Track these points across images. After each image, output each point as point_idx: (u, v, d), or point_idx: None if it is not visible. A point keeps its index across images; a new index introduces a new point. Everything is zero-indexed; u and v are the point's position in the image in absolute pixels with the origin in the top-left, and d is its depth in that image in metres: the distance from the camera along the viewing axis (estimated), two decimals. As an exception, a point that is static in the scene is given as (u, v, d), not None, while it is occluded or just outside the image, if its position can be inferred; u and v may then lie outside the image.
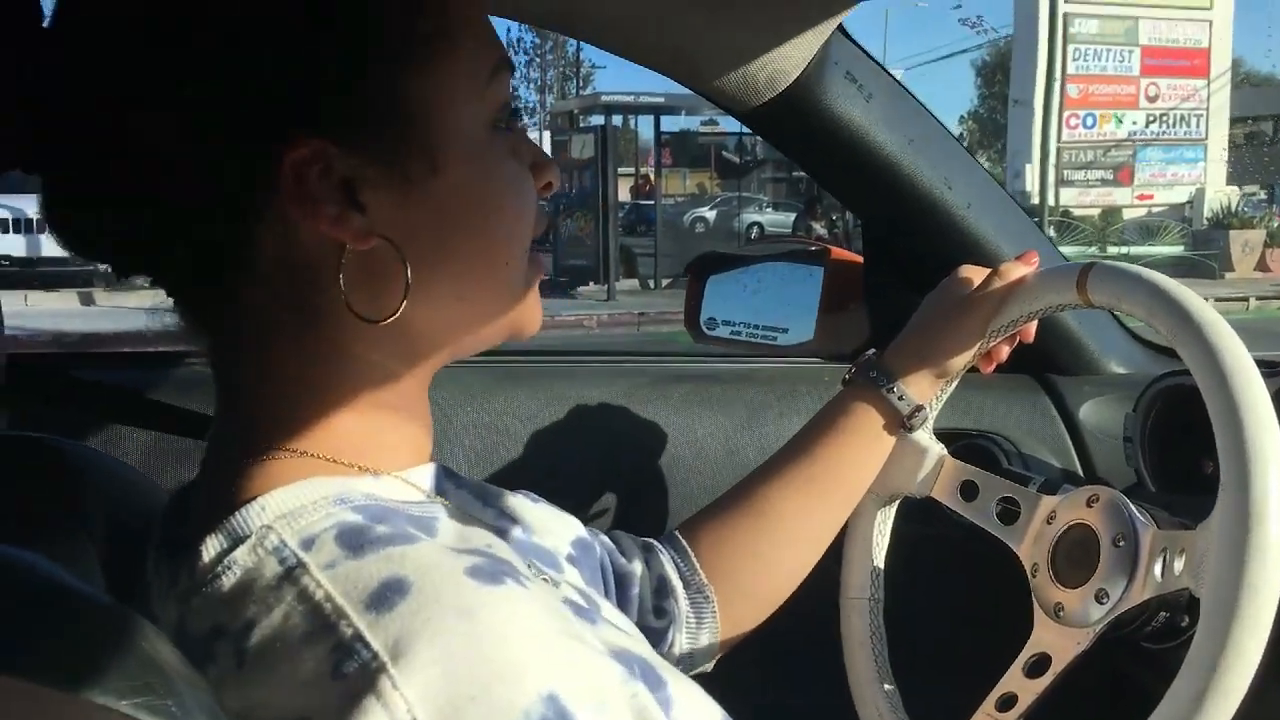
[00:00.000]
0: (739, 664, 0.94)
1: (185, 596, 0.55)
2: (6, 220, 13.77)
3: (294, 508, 0.55)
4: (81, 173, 0.57)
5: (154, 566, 0.60)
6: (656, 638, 0.88)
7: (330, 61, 0.55)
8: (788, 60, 0.97)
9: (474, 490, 0.75)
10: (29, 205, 13.69)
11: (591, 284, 14.11)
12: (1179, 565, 0.77)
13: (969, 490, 0.95)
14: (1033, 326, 0.93)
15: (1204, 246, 17.60)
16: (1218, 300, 13.65)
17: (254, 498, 0.56)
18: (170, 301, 0.62)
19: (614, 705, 0.54)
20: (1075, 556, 0.86)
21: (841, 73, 1.01)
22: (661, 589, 0.90)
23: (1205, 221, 19.05)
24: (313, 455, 0.59)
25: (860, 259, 1.27)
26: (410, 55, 0.57)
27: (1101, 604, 0.82)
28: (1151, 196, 21.63)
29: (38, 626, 0.45)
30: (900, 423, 0.92)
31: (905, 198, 1.10)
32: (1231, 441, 0.70)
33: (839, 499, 0.94)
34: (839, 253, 1.29)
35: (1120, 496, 0.85)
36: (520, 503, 0.78)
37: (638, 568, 0.89)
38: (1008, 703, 0.84)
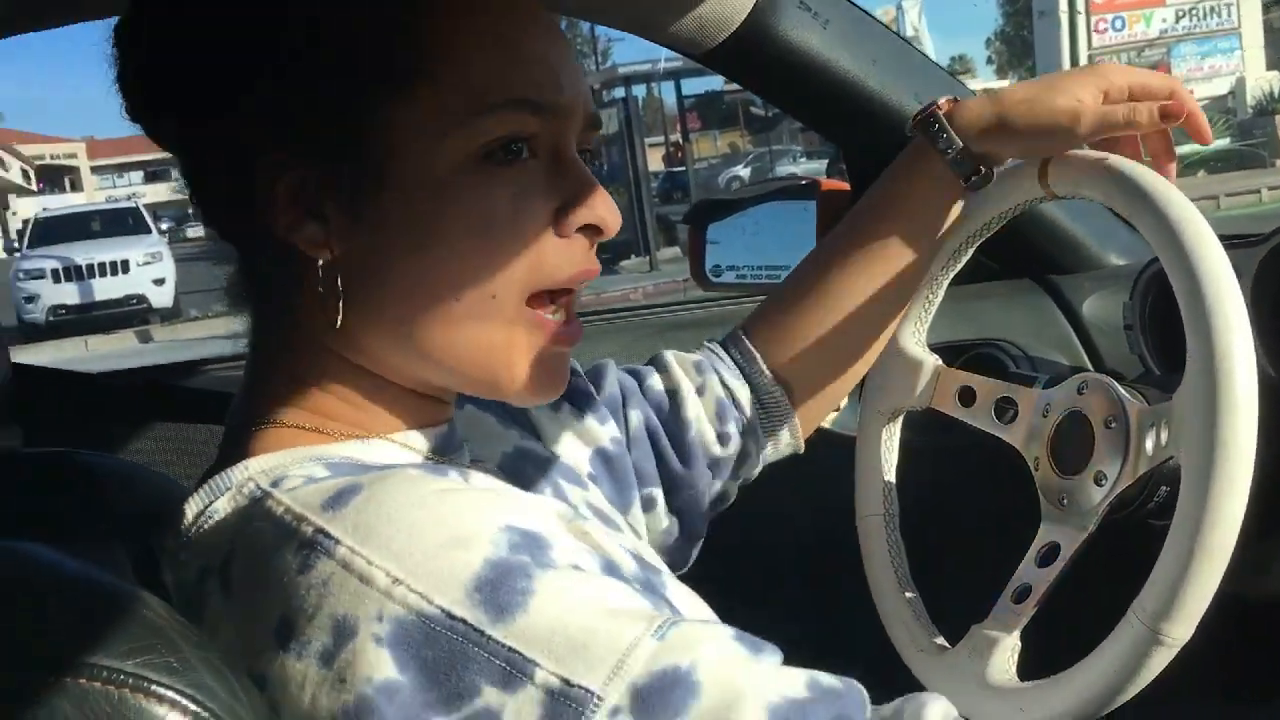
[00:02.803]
0: (767, 594, 0.97)
1: (174, 554, 0.60)
2: (58, 270, 14.07)
3: (274, 464, 0.60)
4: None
5: (155, 544, 0.65)
6: (726, 465, 0.90)
7: (294, 85, 0.59)
8: (735, -3, 0.98)
9: (498, 410, 0.80)
10: (76, 253, 14.01)
11: (633, 257, 14.12)
12: (1165, 436, 0.78)
13: (966, 396, 0.97)
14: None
15: (1250, 136, 17.19)
16: (1271, 188, 13.32)
17: (243, 459, 0.61)
18: (222, 330, 0.69)
19: (563, 527, 0.58)
20: (1072, 444, 0.87)
21: (794, 2, 1.02)
22: (722, 413, 0.89)
23: (1249, 110, 18.60)
24: (299, 427, 0.63)
25: (848, 187, 1.28)
26: (376, 83, 0.60)
27: (1101, 486, 0.84)
28: (1192, 92, 21.05)
29: (52, 608, 0.49)
30: (961, 182, 0.85)
31: (877, 118, 1.11)
32: (1193, 307, 0.71)
33: (901, 269, 0.89)
34: (828, 183, 1.30)
35: (1108, 380, 0.86)
36: (544, 417, 0.82)
37: (691, 410, 0.88)
38: (1023, 594, 0.86)
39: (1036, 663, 0.82)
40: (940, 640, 0.92)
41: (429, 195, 0.60)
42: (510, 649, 0.50)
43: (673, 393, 0.89)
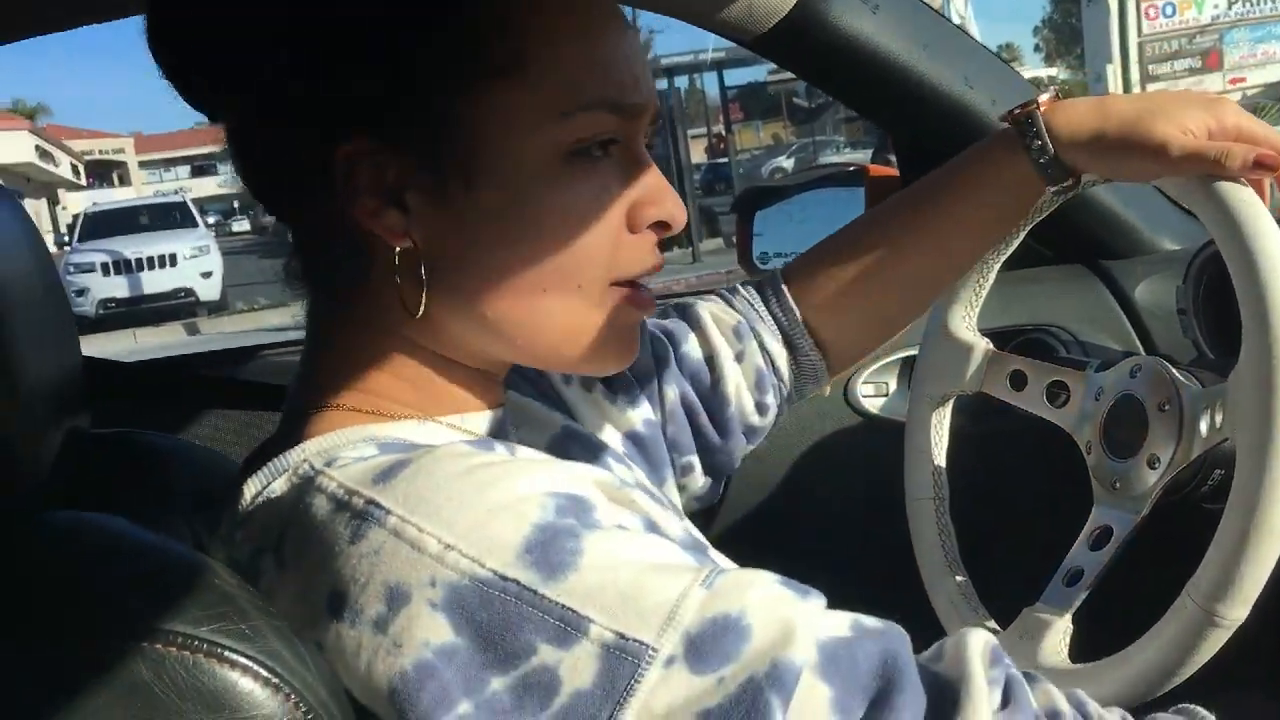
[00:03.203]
0: (814, 578, 0.97)
1: (229, 534, 0.61)
2: (107, 264, 14.27)
3: (329, 445, 0.61)
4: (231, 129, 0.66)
5: (202, 521, 0.66)
6: (762, 431, 0.90)
7: (389, 76, 0.60)
8: (788, -19, 0.98)
9: (534, 384, 0.81)
10: (125, 247, 14.22)
11: (675, 249, 14.12)
12: (1219, 418, 0.78)
13: (1018, 380, 0.97)
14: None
15: (1306, 123, 16.86)
16: (1326, 177, 13.09)
17: (302, 441, 0.62)
18: (269, 323, 0.69)
19: (609, 496, 0.59)
20: (1125, 428, 0.87)
21: (844, -13, 1.03)
22: (761, 383, 0.88)
23: (1304, 97, 18.25)
24: (357, 410, 0.64)
25: (896, 173, 1.28)
26: (469, 78, 0.61)
27: (1154, 469, 0.84)
28: (1244, 79, 20.75)
29: (129, 576, 0.51)
30: (1041, 183, 0.82)
31: (927, 103, 1.11)
32: (1249, 290, 0.71)
33: (963, 251, 0.88)
34: (876, 169, 1.30)
35: (1161, 362, 0.86)
36: (573, 393, 0.82)
37: (730, 383, 0.87)
38: (1075, 577, 0.86)
39: (1089, 646, 0.82)
40: (991, 623, 0.93)
41: (517, 188, 0.61)
42: (564, 606, 0.52)
43: (710, 359, 0.87)
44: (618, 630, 0.52)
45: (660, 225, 0.66)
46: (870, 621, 0.58)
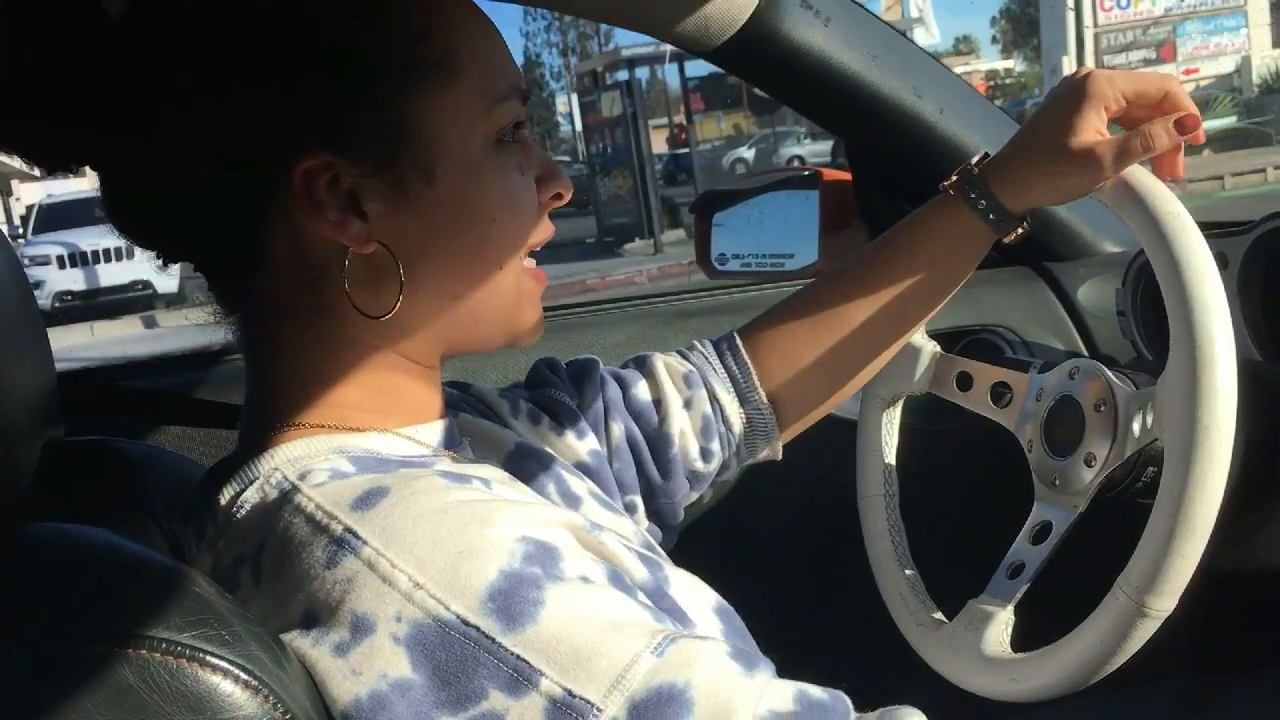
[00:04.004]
0: (770, 574, 1.00)
1: (213, 542, 0.63)
2: (63, 257, 14.05)
3: (299, 454, 0.63)
4: (128, 168, 0.66)
5: (181, 528, 0.68)
6: (706, 478, 0.92)
7: (339, 87, 0.63)
8: (739, -3, 1.01)
9: (475, 407, 0.84)
10: (81, 239, 14.00)
11: (637, 240, 14.13)
12: (1150, 419, 0.82)
13: (964, 381, 1.01)
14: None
15: (1257, 114, 17.11)
16: (1277, 167, 13.28)
17: (265, 451, 0.64)
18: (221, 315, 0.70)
19: (576, 540, 0.61)
20: (1064, 427, 0.91)
21: (797, 1, 1.05)
22: (707, 429, 0.90)
23: (1255, 89, 18.53)
24: (320, 426, 0.66)
25: (850, 177, 1.31)
26: (412, 81, 0.64)
27: (1091, 467, 0.88)
28: (1197, 70, 21.04)
29: (112, 585, 0.53)
30: (994, 236, 0.86)
31: (878, 112, 1.14)
32: (1175, 295, 0.74)
33: (919, 308, 0.90)
34: (830, 173, 1.33)
35: (1098, 365, 0.90)
36: (525, 429, 0.85)
37: (675, 425, 0.89)
38: (1017, 570, 0.90)
39: (1030, 635, 0.86)
40: (938, 615, 0.96)
41: (468, 177, 0.66)
42: (519, 657, 0.54)
43: (658, 403, 0.90)
44: (566, 687, 0.54)
45: (557, 197, 0.72)
46: (816, 693, 0.60)
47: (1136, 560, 0.75)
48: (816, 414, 0.94)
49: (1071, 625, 0.80)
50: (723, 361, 0.92)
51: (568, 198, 0.73)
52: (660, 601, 0.65)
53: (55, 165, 0.66)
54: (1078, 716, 1.07)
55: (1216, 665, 1.14)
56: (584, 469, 0.86)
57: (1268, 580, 0.99)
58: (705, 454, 0.90)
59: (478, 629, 0.54)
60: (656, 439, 0.89)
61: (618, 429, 0.88)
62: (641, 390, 0.90)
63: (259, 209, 0.64)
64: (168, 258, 0.68)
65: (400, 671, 0.54)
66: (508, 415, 0.86)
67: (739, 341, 0.92)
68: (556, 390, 0.89)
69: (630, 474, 0.89)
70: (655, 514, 0.91)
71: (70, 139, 0.65)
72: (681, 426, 0.90)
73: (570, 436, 0.86)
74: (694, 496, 0.94)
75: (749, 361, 0.91)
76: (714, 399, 0.90)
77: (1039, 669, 0.82)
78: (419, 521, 0.57)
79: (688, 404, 0.90)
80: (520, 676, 0.54)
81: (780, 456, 0.94)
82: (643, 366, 0.92)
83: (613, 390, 0.90)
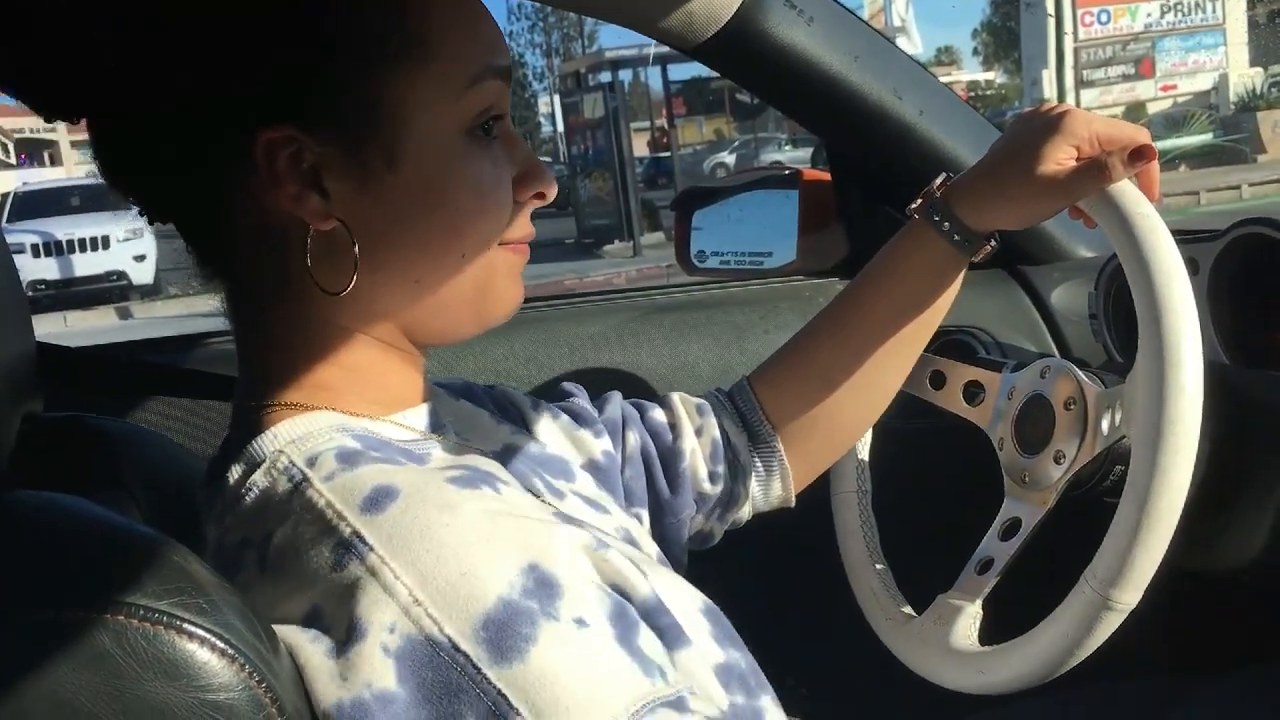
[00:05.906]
0: (743, 565, 1.01)
1: (220, 517, 0.64)
2: (37, 245, 13.92)
3: (301, 434, 0.63)
4: (105, 131, 0.66)
5: (201, 492, 0.69)
6: (717, 502, 0.94)
7: (308, 61, 0.63)
8: (723, -6, 1.02)
9: (497, 403, 0.86)
10: (55, 228, 13.90)
11: (616, 242, 14.14)
12: (1119, 417, 0.83)
13: (937, 379, 1.02)
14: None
15: (1233, 131, 17.29)
16: (1252, 185, 13.43)
17: (267, 430, 0.64)
18: (202, 308, 0.71)
19: (586, 564, 0.61)
20: (1034, 425, 0.92)
21: (780, 1, 1.07)
22: (715, 453, 0.93)
23: (1232, 106, 18.72)
24: (309, 406, 0.66)
25: (829, 177, 1.33)
26: (382, 61, 0.64)
27: (1060, 464, 0.89)
28: (1175, 87, 21.24)
29: (93, 552, 0.54)
30: (963, 257, 0.89)
31: (858, 113, 1.15)
32: (1144, 298, 0.76)
33: (909, 342, 0.93)
34: (810, 174, 1.35)
35: (1069, 364, 0.91)
36: (540, 417, 0.87)
37: (687, 444, 0.93)
38: (986, 565, 0.91)
39: (999, 630, 0.87)
40: (907, 609, 0.98)
41: (434, 164, 0.65)
42: (499, 692, 0.54)
43: (673, 425, 0.94)
44: None
45: (538, 196, 0.72)
46: None
47: (1102, 554, 0.77)
48: (828, 456, 0.98)
49: (1039, 619, 0.81)
50: (732, 401, 0.96)
51: (551, 197, 0.73)
52: (660, 618, 0.63)
53: (52, 115, 0.67)
54: (1050, 715, 1.09)
55: (1185, 664, 1.16)
56: (595, 467, 0.87)
57: (1235, 580, 1.01)
58: (713, 476, 0.93)
59: (466, 656, 0.54)
60: (668, 454, 0.93)
61: (633, 439, 0.92)
62: (658, 414, 0.95)
63: (225, 178, 0.64)
64: (151, 217, 0.69)
65: (385, 684, 0.54)
66: (527, 409, 0.87)
67: (747, 384, 0.97)
68: (578, 400, 0.93)
69: (640, 485, 0.91)
70: (660, 536, 0.92)
71: (55, 96, 0.66)
72: (692, 445, 0.93)
73: (587, 434, 0.89)
74: (699, 521, 0.96)
75: (756, 400, 0.95)
76: (723, 428, 0.95)
77: (1005, 661, 0.83)
78: (426, 533, 0.57)
79: (699, 430, 0.94)
80: (498, 712, 0.54)
81: (793, 503, 0.97)
82: (660, 400, 0.97)
83: (631, 410, 0.94)
